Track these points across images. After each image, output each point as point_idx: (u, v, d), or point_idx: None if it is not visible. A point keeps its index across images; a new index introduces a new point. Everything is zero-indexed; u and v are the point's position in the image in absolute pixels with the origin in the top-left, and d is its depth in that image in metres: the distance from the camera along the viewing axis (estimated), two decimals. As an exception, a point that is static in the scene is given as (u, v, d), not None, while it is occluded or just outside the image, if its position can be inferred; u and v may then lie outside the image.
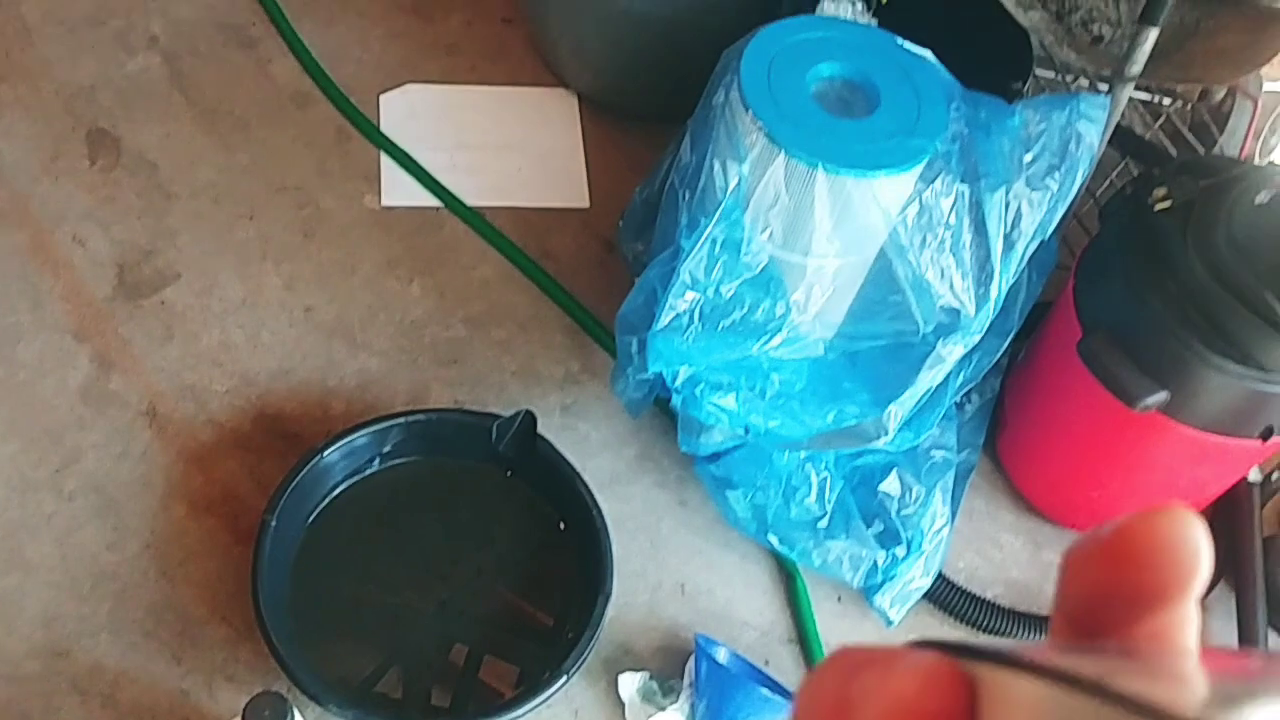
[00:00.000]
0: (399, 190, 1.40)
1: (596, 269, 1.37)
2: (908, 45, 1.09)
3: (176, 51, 1.49)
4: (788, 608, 1.18)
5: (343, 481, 1.14)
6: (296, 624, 1.08)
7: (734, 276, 1.05)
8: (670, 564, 1.19)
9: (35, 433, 1.18)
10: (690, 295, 1.05)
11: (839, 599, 1.18)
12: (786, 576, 1.19)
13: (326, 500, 1.14)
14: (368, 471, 1.15)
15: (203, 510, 1.16)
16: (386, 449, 1.15)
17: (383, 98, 1.48)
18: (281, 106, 1.46)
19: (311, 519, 1.13)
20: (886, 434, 1.05)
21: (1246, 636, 1.18)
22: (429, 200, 1.40)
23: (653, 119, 1.47)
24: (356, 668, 1.08)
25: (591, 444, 1.25)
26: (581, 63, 1.49)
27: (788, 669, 1.14)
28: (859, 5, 1.25)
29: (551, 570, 1.15)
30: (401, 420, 1.15)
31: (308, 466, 1.10)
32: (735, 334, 1.07)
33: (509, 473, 1.17)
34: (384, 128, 1.45)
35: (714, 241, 1.03)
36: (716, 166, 1.02)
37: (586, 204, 1.43)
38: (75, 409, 1.20)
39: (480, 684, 1.08)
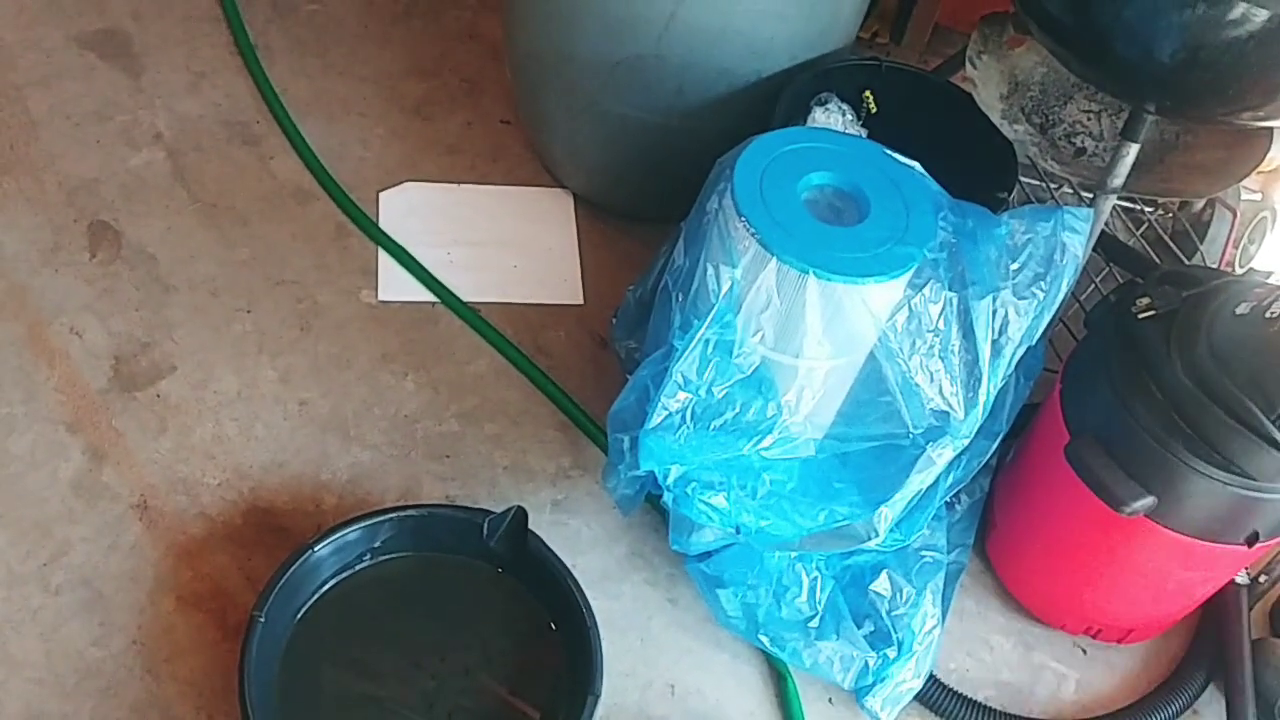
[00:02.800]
0: (396, 286, 1.42)
1: (589, 365, 1.39)
2: (896, 156, 1.12)
3: (180, 147, 1.52)
4: (779, 709, 1.17)
5: (333, 577, 1.14)
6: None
7: (726, 377, 1.06)
8: (660, 663, 1.19)
9: (24, 525, 1.18)
10: (682, 395, 1.07)
11: (830, 700, 1.18)
12: (777, 677, 1.19)
13: (316, 596, 1.13)
14: (358, 567, 1.15)
15: (191, 605, 1.15)
16: (377, 544, 1.15)
17: (382, 195, 1.51)
18: (282, 202, 1.48)
19: (301, 615, 1.13)
20: (877, 535, 1.05)
21: (1237, 742, 1.17)
22: (425, 296, 1.42)
23: (646, 219, 1.50)
24: None
25: (582, 540, 1.26)
26: (577, 164, 1.52)
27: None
28: (849, 115, 1.29)
29: (541, 669, 1.14)
30: (393, 516, 1.15)
31: (298, 562, 1.10)
32: (727, 434, 1.08)
33: (499, 569, 1.17)
34: (383, 224, 1.48)
35: (706, 343, 1.05)
36: (710, 270, 1.04)
37: (581, 301, 1.45)
38: (66, 501, 1.20)
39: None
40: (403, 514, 1.16)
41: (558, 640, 1.14)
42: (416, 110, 1.62)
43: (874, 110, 1.34)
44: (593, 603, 1.13)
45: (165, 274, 1.39)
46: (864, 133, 1.27)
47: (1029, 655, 1.24)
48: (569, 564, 1.15)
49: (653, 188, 1.47)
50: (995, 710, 1.18)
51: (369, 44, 1.70)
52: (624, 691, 1.16)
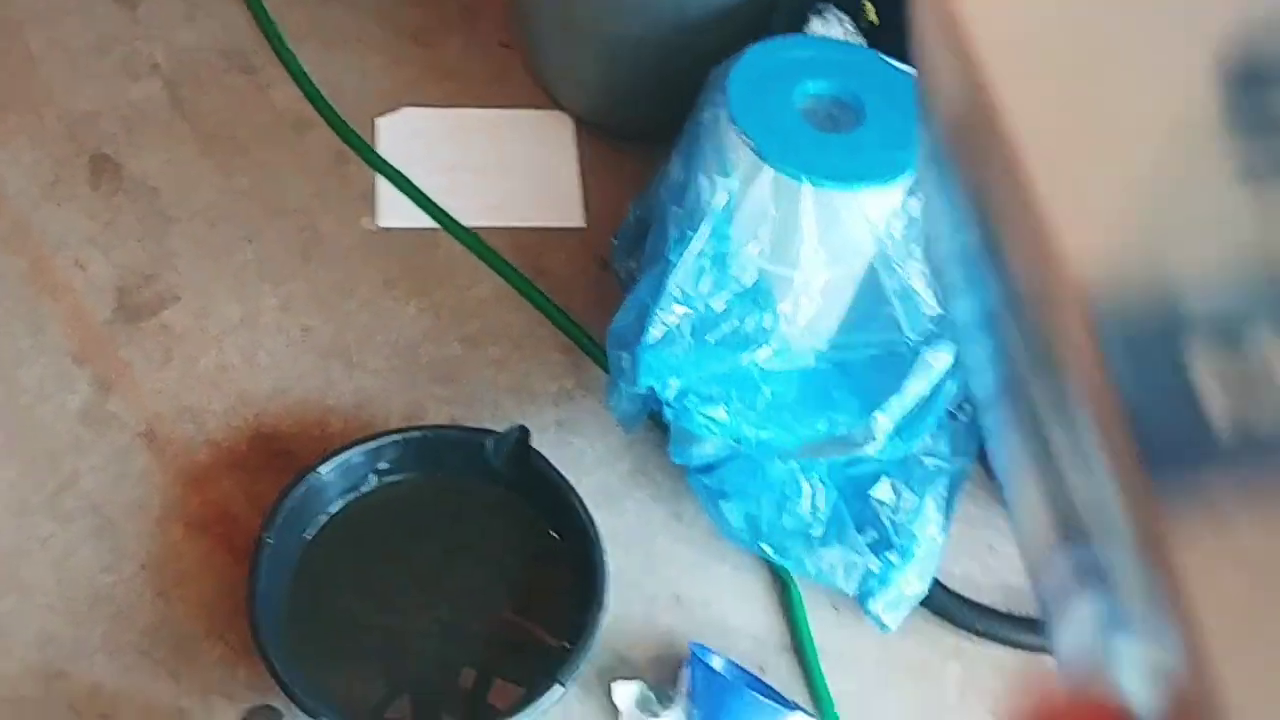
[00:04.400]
0: (396, 212, 1.42)
1: (591, 287, 1.38)
2: (894, 63, 1.10)
3: (178, 78, 1.51)
4: (783, 616, 1.18)
5: (339, 499, 1.15)
6: (295, 642, 1.08)
7: (723, 290, 1.06)
8: (665, 575, 1.20)
9: (34, 456, 1.19)
10: (679, 309, 1.06)
11: (834, 606, 1.19)
12: (781, 585, 1.19)
13: (323, 518, 1.15)
14: (363, 489, 1.16)
15: (199, 531, 1.17)
16: (382, 466, 1.16)
17: (380, 121, 1.50)
18: (281, 131, 1.48)
19: (308, 537, 1.14)
20: (875, 441, 1.05)
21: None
22: (426, 222, 1.42)
23: (647, 139, 1.48)
24: (365, 694, 1.09)
25: (586, 459, 1.26)
26: (576, 86, 1.51)
27: (783, 676, 1.15)
28: (848, 25, 1.27)
29: (548, 584, 1.16)
30: (397, 437, 1.16)
31: (303, 485, 1.11)
32: (725, 346, 1.08)
33: (504, 488, 1.18)
34: (381, 151, 1.47)
35: (702, 256, 1.04)
36: (704, 182, 1.03)
37: (582, 223, 1.45)
38: (74, 431, 1.21)
39: (489, 709, 1.09)
40: (406, 435, 1.17)
41: (563, 555, 1.15)
42: (414, 36, 1.61)
43: (875, 21, 1.32)
44: (598, 519, 1.14)
45: (166, 205, 1.39)
46: (863, 42, 1.25)
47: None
48: (574, 482, 1.16)
49: (653, 107, 1.45)
50: (1000, 612, 1.19)
51: (364, -30, 1.68)
52: (630, 603, 1.17)
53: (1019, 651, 1.18)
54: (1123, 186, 0.18)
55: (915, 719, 1.15)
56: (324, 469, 1.12)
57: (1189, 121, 0.18)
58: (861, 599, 1.16)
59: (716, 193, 1.02)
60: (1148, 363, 0.17)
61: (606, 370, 1.28)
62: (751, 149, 0.99)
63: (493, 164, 1.49)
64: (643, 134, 1.48)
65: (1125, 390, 0.17)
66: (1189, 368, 0.16)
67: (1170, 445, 0.17)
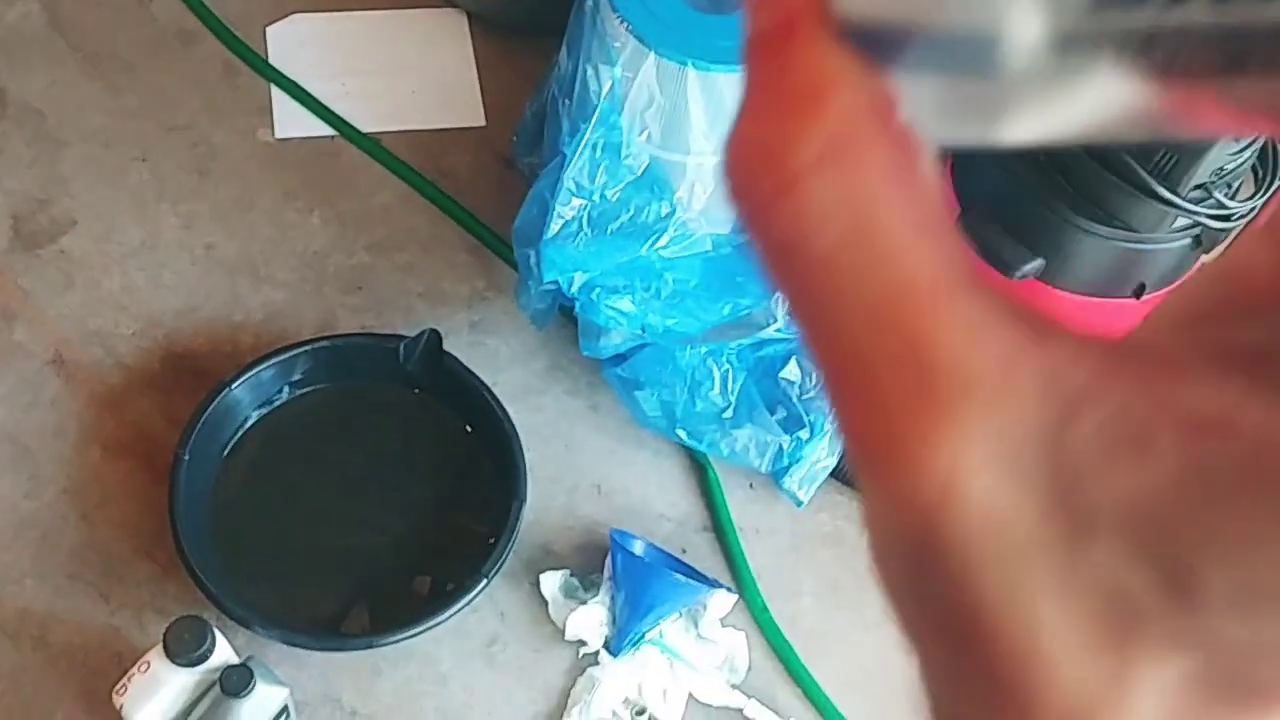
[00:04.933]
0: (292, 122, 1.40)
1: (496, 186, 1.38)
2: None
3: (54, -3, 1.47)
4: (701, 498, 1.22)
5: (254, 413, 1.16)
6: (223, 555, 1.10)
7: (617, 180, 1.07)
8: (585, 466, 1.22)
9: (-57, 390, 1.19)
10: (576, 202, 1.07)
11: (750, 485, 1.22)
12: (698, 468, 1.23)
13: (239, 432, 1.16)
14: (278, 401, 1.17)
15: (117, 452, 1.17)
16: (295, 378, 1.17)
17: (270, 29, 1.47)
18: (166, 45, 1.44)
19: (226, 452, 1.15)
20: (775, 320, 1.08)
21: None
22: (323, 130, 1.40)
23: (541, 31, 1.46)
24: (323, 608, 1.11)
25: (501, 358, 1.28)
26: (467, -20, 1.48)
27: (704, 556, 1.18)
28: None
29: (467, 481, 1.18)
30: (307, 348, 1.16)
31: (216, 400, 1.12)
32: (624, 236, 1.09)
33: (419, 392, 1.19)
34: (273, 60, 1.44)
35: (594, 147, 1.04)
36: (589, 72, 1.03)
37: (482, 122, 1.44)
38: (-19, 363, 1.20)
39: (420, 604, 1.11)
40: (316, 346, 1.17)
41: (483, 453, 1.17)
42: (298, -62, 1.56)
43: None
44: (516, 416, 1.16)
45: (54, 129, 1.36)
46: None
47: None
48: (490, 382, 1.18)
49: (547, -1, 1.43)
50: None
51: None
52: (552, 496, 1.20)
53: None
54: None
55: (832, 586, 1.20)
56: (236, 384, 1.13)
57: None
58: (776, 476, 1.20)
59: (603, 82, 1.02)
60: None
61: (516, 269, 1.29)
62: (633, 35, 0.99)
63: (387, 67, 1.46)
64: (536, 26, 1.47)
65: None
66: None
67: None
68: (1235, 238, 0.23)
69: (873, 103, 0.20)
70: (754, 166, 0.20)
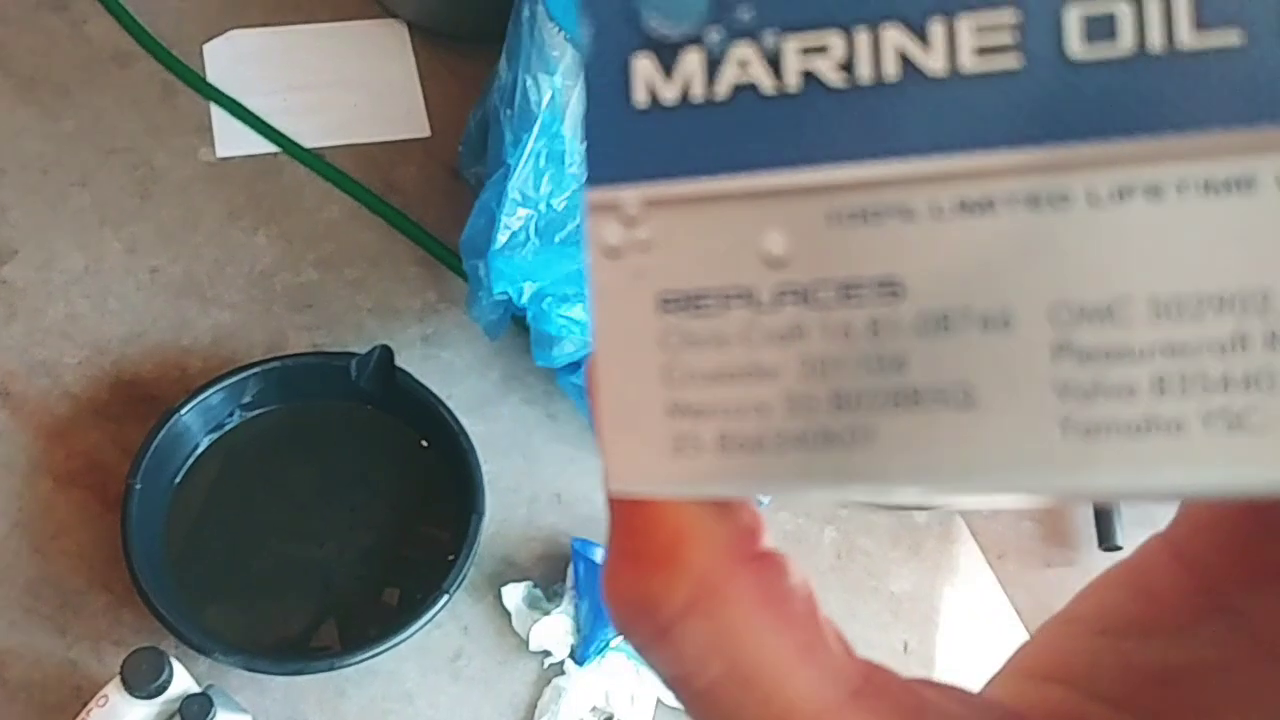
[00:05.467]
0: (234, 140, 1.39)
1: (443, 197, 1.37)
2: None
3: (-14, 22, 1.44)
4: (661, 504, 1.21)
5: (204, 438, 1.14)
6: (180, 583, 1.09)
7: (563, 189, 1.06)
8: (545, 476, 1.22)
9: (-114, 427, 1.16)
10: (523, 212, 1.06)
11: (710, 489, 1.22)
12: (657, 474, 1.22)
13: (191, 458, 1.14)
14: (229, 426, 1.15)
15: (68, 483, 1.15)
16: (246, 400, 1.16)
17: (207, 47, 1.45)
18: (102, 68, 1.42)
19: (179, 479, 1.14)
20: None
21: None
22: (266, 147, 1.39)
23: (484, 40, 1.45)
24: (290, 627, 1.10)
25: (455, 370, 1.27)
26: (406, -10, 1.48)
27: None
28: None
29: (428, 499, 1.17)
30: (257, 370, 1.15)
31: (165, 427, 1.10)
32: (573, 245, 1.09)
33: (373, 409, 1.18)
34: (211, 78, 1.43)
35: (537, 157, 1.04)
36: (529, 82, 1.02)
37: (427, 133, 1.43)
38: (-76, 399, 1.18)
39: (387, 621, 1.11)
40: (266, 367, 1.16)
41: (440, 469, 1.16)
42: (233, -46, 1.55)
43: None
44: (473, 428, 1.15)
45: (-9, 157, 1.34)
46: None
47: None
48: (444, 395, 1.17)
49: (488, 6, 1.42)
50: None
51: (173, -112, 1.61)
52: (512, 507, 1.19)
53: (889, 511, 1.23)
54: None
55: (796, 583, 1.20)
56: (185, 410, 1.12)
57: None
58: (734, 476, 1.20)
59: (543, 92, 1.01)
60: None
61: (467, 280, 1.28)
62: (571, 44, 0.99)
63: (329, 81, 1.45)
64: (478, 35, 1.46)
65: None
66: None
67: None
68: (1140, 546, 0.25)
69: (732, 541, 0.21)
70: (629, 615, 0.21)
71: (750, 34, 0.20)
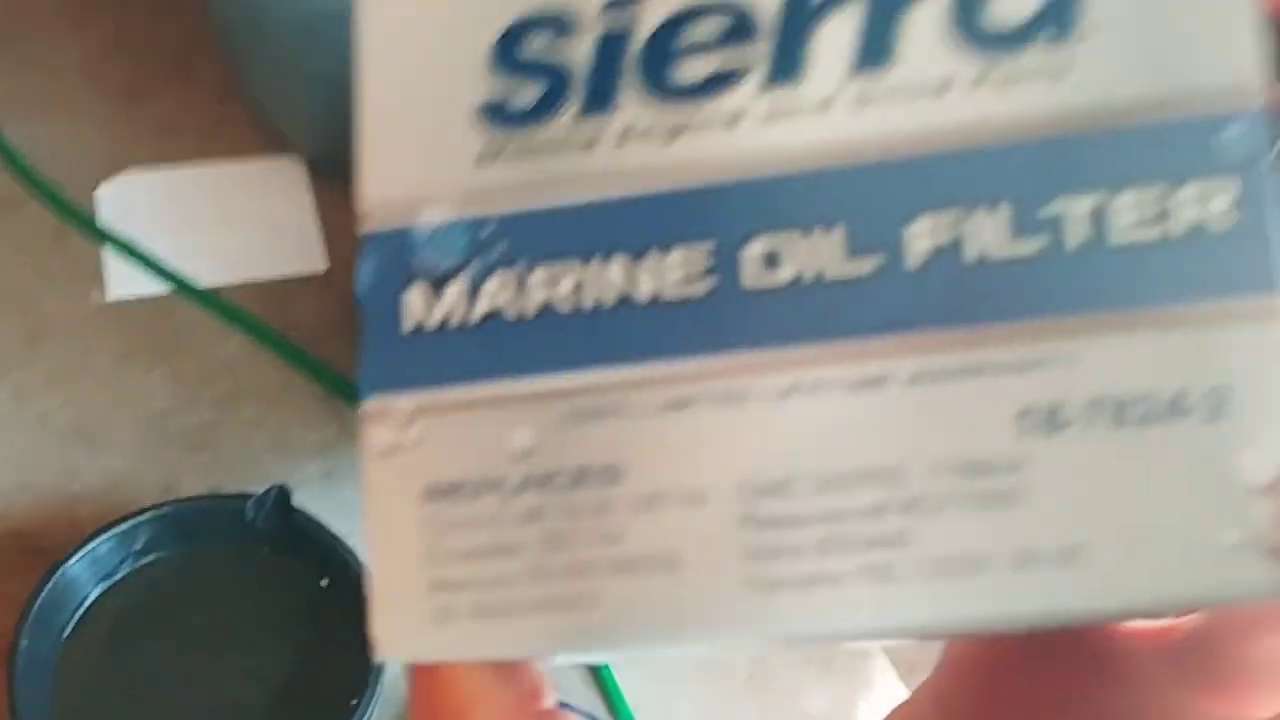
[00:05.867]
0: (127, 282, 1.37)
1: (342, 331, 1.37)
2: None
3: None
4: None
5: (94, 590, 1.11)
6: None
7: (458, 322, 1.07)
8: (450, 613, 1.19)
9: None
10: (418, 347, 1.06)
11: (619, 617, 1.21)
12: (565, 605, 1.21)
13: (81, 611, 1.10)
14: (120, 575, 1.12)
15: (-52, 644, 1.10)
16: (137, 548, 1.12)
17: (100, 190, 1.44)
18: (-9, 213, 1.41)
19: (68, 633, 1.10)
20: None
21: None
22: (160, 288, 1.37)
23: (381, 175, 1.47)
24: None
25: (357, 507, 1.24)
26: (302, 128, 1.49)
27: (577, 689, 1.16)
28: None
29: (330, 641, 1.14)
30: (148, 516, 1.12)
31: (53, 580, 1.07)
32: (470, 378, 1.09)
33: (270, 551, 1.15)
34: (104, 220, 1.42)
35: (431, 291, 1.04)
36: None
37: (325, 267, 1.43)
38: None
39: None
40: (159, 512, 1.13)
41: (338, 607, 1.14)
42: (127, 95, 1.55)
43: None
44: (374, 566, 1.13)
45: None
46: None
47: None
48: (346, 531, 1.15)
49: (384, 142, 1.44)
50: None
51: (65, 29, 1.61)
52: (417, 647, 1.16)
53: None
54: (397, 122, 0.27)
55: (710, 713, 1.18)
56: (73, 561, 1.08)
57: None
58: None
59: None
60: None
61: (365, 414, 1.27)
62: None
63: (225, 219, 1.45)
64: (376, 171, 1.47)
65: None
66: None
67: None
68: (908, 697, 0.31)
69: (516, 702, 0.26)
70: None
71: (502, 268, 0.26)
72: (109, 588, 1.11)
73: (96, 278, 1.37)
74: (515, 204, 0.26)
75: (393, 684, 1.10)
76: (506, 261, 0.26)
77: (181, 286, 1.37)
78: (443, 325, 0.26)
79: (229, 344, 1.35)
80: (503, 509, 0.25)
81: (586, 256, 0.25)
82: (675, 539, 0.24)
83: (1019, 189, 0.23)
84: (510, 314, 0.26)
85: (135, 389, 1.29)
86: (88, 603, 1.11)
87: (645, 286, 0.25)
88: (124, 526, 1.11)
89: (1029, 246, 0.23)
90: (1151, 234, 0.23)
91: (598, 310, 0.25)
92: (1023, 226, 0.23)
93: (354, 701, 1.06)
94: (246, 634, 1.13)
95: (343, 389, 1.32)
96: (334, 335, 1.36)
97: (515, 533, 0.25)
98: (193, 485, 1.23)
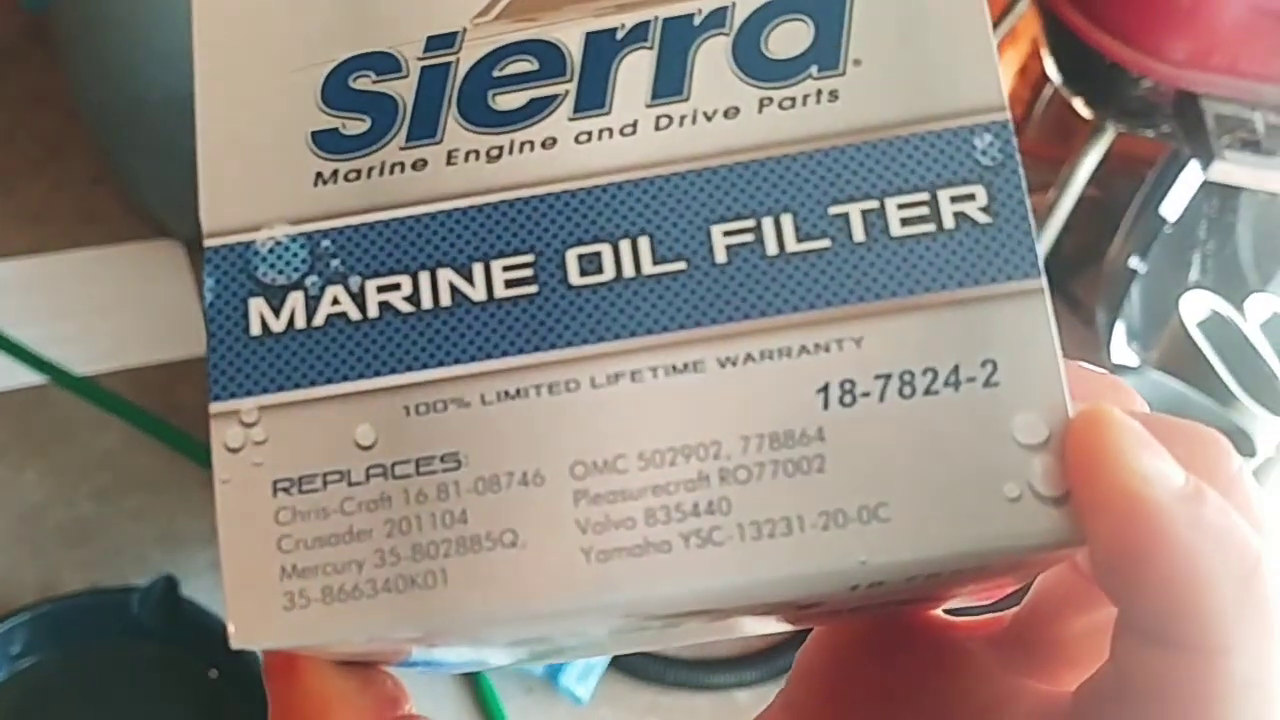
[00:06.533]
0: (-2, 373, 1.32)
1: (228, 414, 1.33)
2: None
3: None
4: (479, 710, 1.17)
5: (-32, 698, 1.05)
6: None
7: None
8: (351, 698, 1.16)
9: None
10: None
11: (527, 689, 1.18)
12: (471, 680, 1.18)
13: (-46, 723, 1.04)
14: (-4, 681, 1.06)
15: None
16: (14, 651, 1.07)
17: (-33, 280, 1.39)
18: None
19: (-60, 747, 1.03)
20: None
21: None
22: (33, 379, 1.32)
23: (263, 254, 1.45)
24: None
25: (249, 594, 1.21)
26: (180, 211, 1.46)
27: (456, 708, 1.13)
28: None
29: (223, 735, 1.09)
30: (26, 616, 1.07)
31: (-78, 690, 1.01)
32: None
33: (159, 644, 1.11)
34: (-28, 311, 1.36)
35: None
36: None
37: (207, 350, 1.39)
38: None
39: None
40: (35, 612, 1.07)
41: (228, 699, 1.09)
42: (-6, 184, 1.51)
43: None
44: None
45: None
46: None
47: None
48: (238, 621, 1.11)
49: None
50: (685, 660, 1.22)
51: (-73, 122, 1.57)
52: (317, 736, 1.12)
53: (710, 694, 1.21)
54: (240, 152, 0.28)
55: (623, 779, 1.16)
56: (-56, 670, 1.02)
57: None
58: (552, 676, 1.17)
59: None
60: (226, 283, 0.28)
61: (255, 498, 1.24)
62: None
63: (101, 306, 1.41)
64: (258, 250, 1.45)
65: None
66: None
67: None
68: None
69: (374, 708, 0.27)
70: None
71: (339, 279, 0.27)
72: (-15, 695, 1.05)
73: (-35, 371, 1.31)
74: (351, 219, 0.27)
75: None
76: (344, 271, 0.27)
77: (57, 375, 1.32)
78: (285, 332, 0.27)
79: (109, 433, 1.30)
80: (349, 498, 0.26)
81: (422, 263, 0.27)
82: (515, 517, 0.25)
83: (806, 195, 0.26)
84: (349, 319, 0.27)
85: (9, 485, 1.24)
86: (-39, 713, 1.04)
87: (478, 291, 0.27)
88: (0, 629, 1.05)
89: (819, 243, 0.26)
90: (924, 230, 0.26)
91: (434, 312, 0.27)
92: (811, 226, 0.26)
93: (252, 798, 1.01)
94: (136, 734, 1.08)
95: (230, 473, 1.28)
96: (220, 419, 1.32)
97: (362, 519, 0.26)
98: (73, 581, 1.18)
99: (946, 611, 0.34)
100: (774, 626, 0.34)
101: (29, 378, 1.32)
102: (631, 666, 1.20)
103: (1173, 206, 1.17)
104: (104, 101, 1.37)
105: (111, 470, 1.27)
